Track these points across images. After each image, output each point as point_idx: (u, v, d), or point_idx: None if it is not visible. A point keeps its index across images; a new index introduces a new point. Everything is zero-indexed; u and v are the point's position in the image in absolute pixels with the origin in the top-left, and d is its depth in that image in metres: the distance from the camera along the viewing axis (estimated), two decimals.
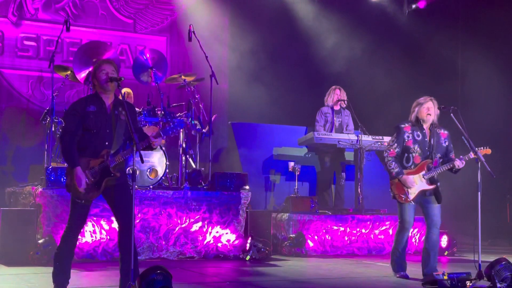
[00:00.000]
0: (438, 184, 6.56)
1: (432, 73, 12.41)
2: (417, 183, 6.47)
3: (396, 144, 6.54)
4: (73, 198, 5.21)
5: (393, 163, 6.51)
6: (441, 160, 6.59)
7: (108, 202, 5.36)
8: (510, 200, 11.31)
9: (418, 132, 6.53)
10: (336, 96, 9.78)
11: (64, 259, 5.26)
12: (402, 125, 6.56)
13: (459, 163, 6.44)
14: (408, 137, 6.51)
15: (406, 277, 6.61)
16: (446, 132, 6.63)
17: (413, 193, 6.48)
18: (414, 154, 6.52)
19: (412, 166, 6.52)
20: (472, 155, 6.40)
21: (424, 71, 12.42)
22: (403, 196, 6.51)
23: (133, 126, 5.05)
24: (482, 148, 6.46)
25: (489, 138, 9.79)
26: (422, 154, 6.51)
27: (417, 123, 6.55)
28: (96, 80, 5.26)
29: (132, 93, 9.44)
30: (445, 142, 6.60)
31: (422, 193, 6.52)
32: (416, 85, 11.46)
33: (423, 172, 6.49)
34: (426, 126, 6.55)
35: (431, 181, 6.52)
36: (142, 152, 5.04)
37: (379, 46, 12.45)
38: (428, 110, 6.49)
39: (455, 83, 12.77)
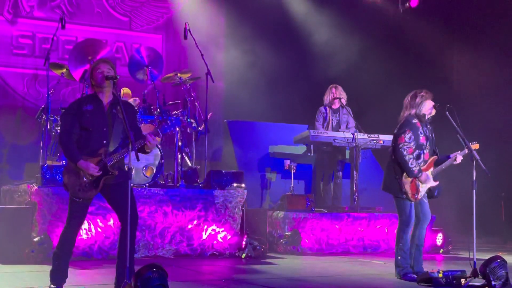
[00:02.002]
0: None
1: (427, 71, 12.42)
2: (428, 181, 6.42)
3: (413, 142, 6.35)
4: (71, 197, 5.22)
5: (415, 161, 6.32)
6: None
7: (107, 201, 5.37)
8: (505, 198, 11.33)
9: (426, 128, 6.44)
10: (332, 94, 9.78)
11: (62, 258, 5.28)
12: (414, 121, 6.38)
13: (460, 158, 6.38)
14: (421, 133, 6.37)
15: (413, 279, 6.31)
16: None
17: (423, 190, 6.40)
18: (425, 151, 6.41)
19: (422, 163, 6.41)
20: (466, 150, 6.36)
21: (419, 69, 12.44)
22: (416, 194, 6.38)
23: (129, 124, 5.06)
24: (471, 143, 6.46)
25: (484, 136, 9.81)
26: (430, 150, 6.44)
27: (423, 118, 6.43)
28: (93, 79, 5.29)
29: (130, 93, 9.43)
30: (433, 135, 6.59)
31: (427, 190, 6.47)
32: (411, 82, 11.45)
33: (432, 169, 6.43)
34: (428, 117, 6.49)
35: (436, 177, 6.47)
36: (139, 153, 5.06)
37: (375, 44, 12.47)
38: (432, 104, 6.40)
39: (450, 81, 12.79)
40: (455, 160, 6.42)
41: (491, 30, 11.88)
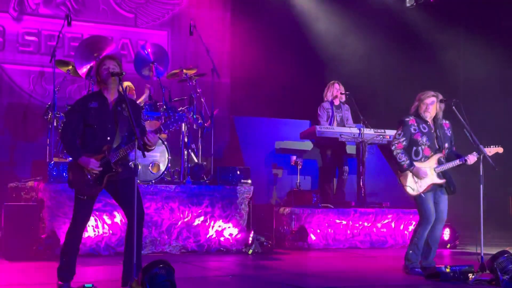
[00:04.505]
0: (450, 175, 6.47)
1: (435, 66, 12.38)
2: (428, 175, 6.38)
3: (403, 138, 6.41)
4: (76, 194, 5.24)
5: (403, 155, 6.39)
6: (447, 151, 6.52)
7: (113, 197, 5.38)
8: None
9: (424, 125, 6.44)
10: (335, 90, 9.76)
11: (69, 254, 5.30)
12: (407, 119, 6.46)
13: (472, 159, 6.35)
14: (415, 130, 6.41)
15: (420, 274, 6.33)
16: (447, 122, 6.57)
17: (423, 186, 6.38)
18: (423, 147, 6.41)
19: (423, 159, 6.41)
20: (486, 151, 6.34)
21: (427, 64, 12.40)
22: (412, 188, 6.44)
23: (135, 121, 5.07)
24: (493, 146, 6.43)
25: (491, 130, 9.78)
26: (432, 146, 6.43)
27: (420, 116, 6.49)
28: (99, 76, 5.30)
29: (133, 87, 9.45)
30: (449, 131, 6.55)
31: (434, 186, 6.43)
32: (419, 78, 11.45)
33: (435, 166, 6.41)
34: (429, 119, 6.49)
35: (442, 174, 6.43)
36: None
37: (382, 39, 12.43)
38: (427, 107, 6.41)
39: (458, 76, 12.74)
40: (466, 161, 6.39)
41: (498, 23, 11.81)
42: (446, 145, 6.49)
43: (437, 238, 6.56)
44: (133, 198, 5.03)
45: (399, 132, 6.48)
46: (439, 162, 6.44)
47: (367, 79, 12.09)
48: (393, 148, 6.46)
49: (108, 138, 5.22)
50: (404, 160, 6.39)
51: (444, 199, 6.53)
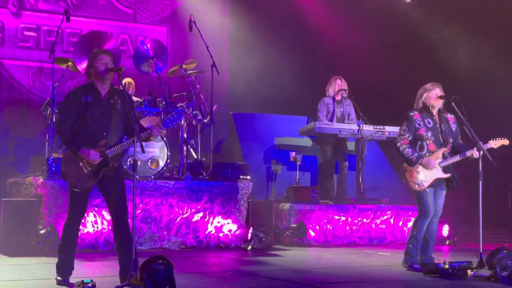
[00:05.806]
0: (453, 170, 6.49)
1: (434, 63, 12.36)
2: (434, 169, 6.39)
3: (408, 133, 6.42)
4: (70, 187, 5.23)
5: (410, 149, 6.39)
6: (452, 145, 6.53)
7: (102, 193, 5.33)
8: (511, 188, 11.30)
9: (429, 119, 6.44)
10: (337, 86, 9.75)
11: (68, 250, 5.31)
12: (412, 113, 6.45)
13: (475, 153, 6.35)
14: (420, 124, 6.41)
15: (419, 270, 6.33)
16: (452, 116, 6.58)
17: (427, 181, 6.39)
18: (428, 142, 6.42)
19: (427, 154, 6.41)
20: (490, 144, 6.36)
21: (426, 61, 12.38)
22: (417, 183, 6.43)
23: (125, 115, 5.08)
24: (499, 138, 6.43)
25: (491, 126, 9.76)
26: (436, 141, 6.43)
27: (426, 110, 6.47)
28: (94, 69, 5.26)
29: (133, 83, 9.45)
30: (454, 126, 6.56)
31: (437, 181, 6.44)
32: (418, 74, 11.42)
33: (439, 160, 6.41)
34: (434, 112, 6.49)
35: (446, 169, 6.46)
36: (142, 142, 5.07)
37: (381, 35, 12.41)
38: (437, 96, 6.44)
39: (458, 73, 12.73)
40: (472, 155, 6.38)
41: (497, 20, 11.80)
42: (451, 140, 6.50)
43: (433, 232, 6.58)
44: (124, 194, 5.07)
45: (404, 128, 6.47)
46: (444, 157, 6.44)
47: (367, 75, 12.07)
48: (398, 144, 6.45)
49: (104, 133, 5.21)
50: (411, 154, 6.39)
51: (443, 195, 6.56)
